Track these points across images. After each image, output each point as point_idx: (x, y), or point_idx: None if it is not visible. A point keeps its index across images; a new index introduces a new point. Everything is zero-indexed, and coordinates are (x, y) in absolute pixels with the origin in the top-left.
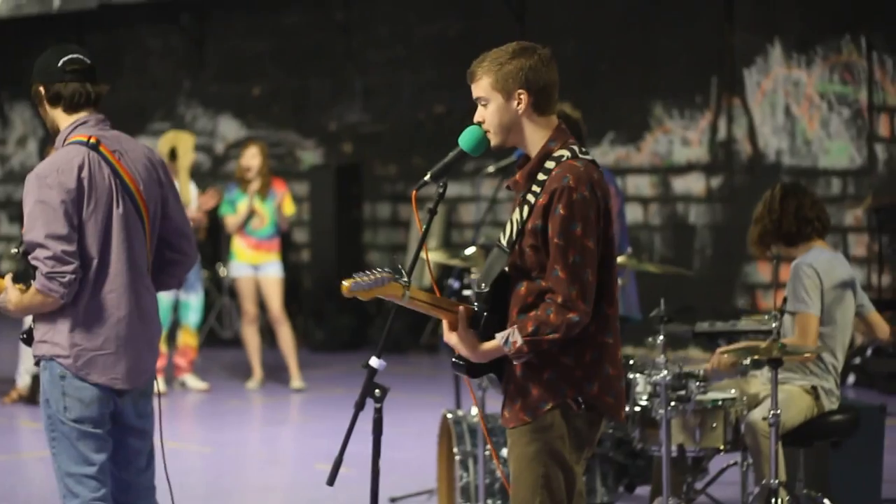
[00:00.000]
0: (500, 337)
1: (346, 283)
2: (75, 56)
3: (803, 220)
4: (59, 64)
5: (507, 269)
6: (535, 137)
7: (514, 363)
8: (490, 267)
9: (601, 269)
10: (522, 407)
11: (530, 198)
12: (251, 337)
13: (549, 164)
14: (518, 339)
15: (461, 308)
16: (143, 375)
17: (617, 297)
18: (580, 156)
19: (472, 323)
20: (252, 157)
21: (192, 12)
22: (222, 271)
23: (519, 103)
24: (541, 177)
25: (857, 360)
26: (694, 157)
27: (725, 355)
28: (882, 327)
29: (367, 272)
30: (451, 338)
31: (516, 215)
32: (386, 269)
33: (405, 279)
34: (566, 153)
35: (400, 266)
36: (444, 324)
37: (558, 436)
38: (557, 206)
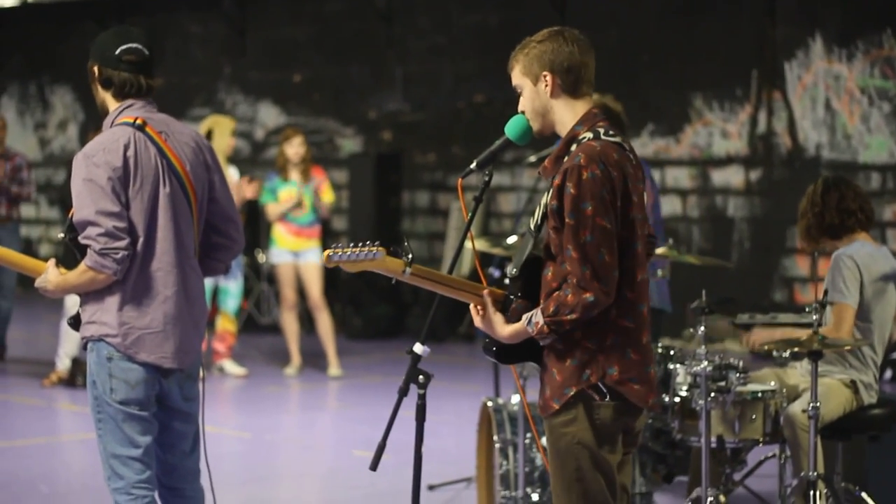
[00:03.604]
0: (525, 318)
1: (327, 252)
2: (134, 46)
3: (846, 212)
4: (117, 52)
5: (534, 252)
6: (565, 120)
7: (545, 350)
8: (520, 252)
9: (620, 252)
10: (550, 394)
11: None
12: (290, 323)
13: (574, 148)
14: (540, 320)
15: (486, 291)
16: (190, 355)
17: (639, 281)
18: (603, 137)
19: (502, 307)
20: (299, 146)
21: None
22: (261, 257)
23: (546, 86)
24: (566, 160)
25: (895, 356)
26: (733, 149)
27: (757, 339)
28: None
29: (353, 245)
30: (477, 320)
31: (544, 199)
32: (376, 244)
33: (408, 255)
34: (589, 135)
35: (406, 244)
36: (472, 307)
37: (583, 428)
38: (568, 185)
